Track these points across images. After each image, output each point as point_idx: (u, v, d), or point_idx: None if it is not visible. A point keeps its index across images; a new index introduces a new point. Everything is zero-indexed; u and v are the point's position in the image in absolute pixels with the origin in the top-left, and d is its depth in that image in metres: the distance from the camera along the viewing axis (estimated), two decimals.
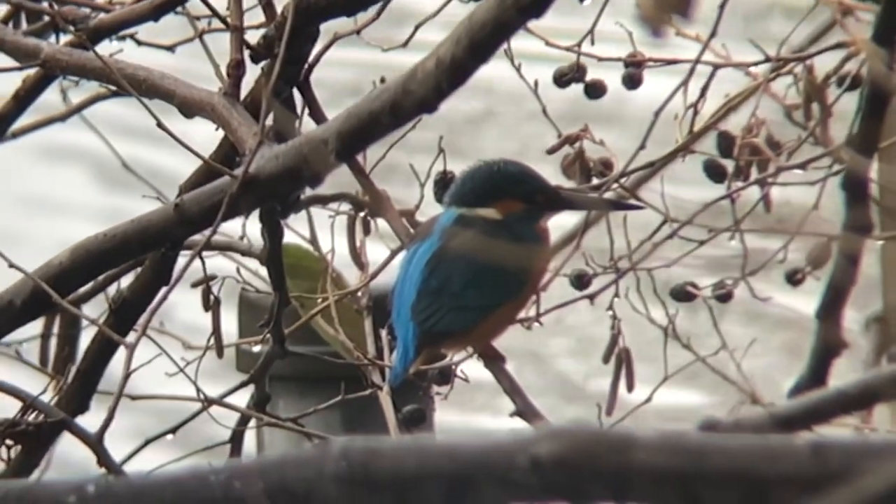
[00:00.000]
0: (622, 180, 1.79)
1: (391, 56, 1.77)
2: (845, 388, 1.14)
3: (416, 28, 1.72)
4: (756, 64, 1.78)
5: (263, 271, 1.72)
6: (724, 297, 1.83)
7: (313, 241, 1.85)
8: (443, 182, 1.76)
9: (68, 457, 1.69)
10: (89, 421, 1.61)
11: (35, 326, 1.83)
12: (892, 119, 1.81)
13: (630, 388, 1.82)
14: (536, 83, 1.78)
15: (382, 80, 1.49)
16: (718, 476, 1.03)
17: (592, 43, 1.79)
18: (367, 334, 1.76)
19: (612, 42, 1.85)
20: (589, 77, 1.82)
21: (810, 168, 1.78)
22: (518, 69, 1.77)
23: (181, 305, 1.87)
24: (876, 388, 1.15)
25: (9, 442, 1.63)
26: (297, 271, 1.82)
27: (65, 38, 1.73)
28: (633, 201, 1.73)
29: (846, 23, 1.71)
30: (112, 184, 4.52)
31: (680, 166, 1.82)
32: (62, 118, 1.94)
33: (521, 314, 1.64)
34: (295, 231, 1.84)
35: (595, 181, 1.80)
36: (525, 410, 1.53)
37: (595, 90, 1.83)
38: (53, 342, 1.92)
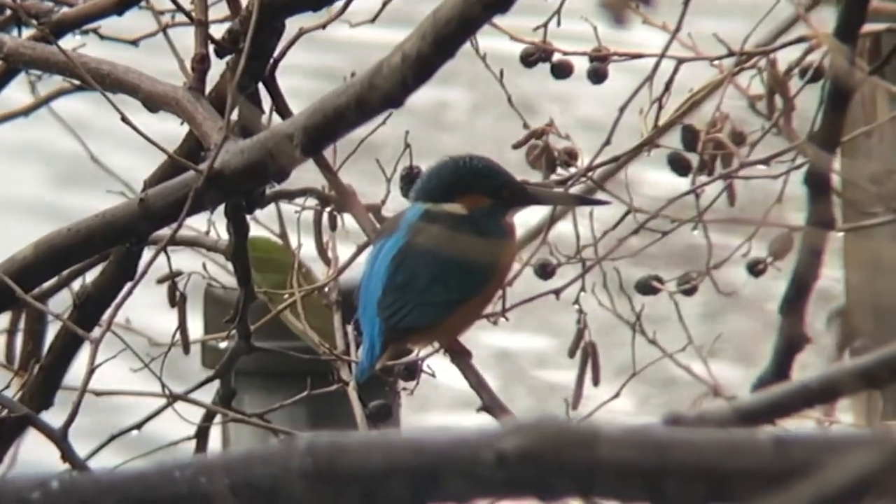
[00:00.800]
0: (588, 174, 1.80)
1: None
2: (808, 382, 1.15)
3: (385, 3, 1.72)
4: (720, 58, 1.79)
5: (230, 266, 1.72)
6: (689, 290, 1.83)
7: (282, 235, 1.85)
8: (409, 177, 1.76)
9: (32, 457, 1.68)
10: (53, 418, 1.60)
11: (0, 322, 1.83)
12: (854, 114, 1.83)
13: (596, 382, 1.82)
14: (502, 73, 1.79)
15: (353, 75, 1.49)
16: (682, 470, 1.04)
17: (559, 24, 1.80)
18: (336, 329, 1.76)
19: (576, 40, 1.85)
20: (555, 60, 1.82)
21: (774, 163, 1.79)
22: (484, 59, 1.77)
23: (146, 302, 1.87)
24: (838, 383, 1.15)
25: None
26: (266, 265, 1.81)
27: (27, 32, 1.73)
28: (599, 196, 1.73)
29: (808, 17, 1.72)
30: (67, 182, 4.50)
31: (645, 161, 1.83)
32: (25, 112, 1.93)
33: (488, 309, 1.64)
34: (263, 226, 1.83)
35: (561, 172, 1.81)
36: (491, 405, 1.53)
37: (561, 70, 1.84)
38: (19, 338, 1.91)
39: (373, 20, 1.74)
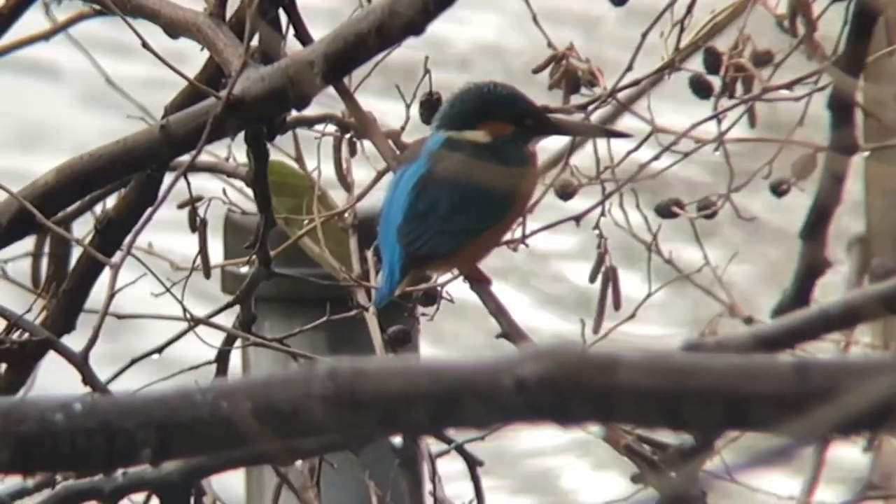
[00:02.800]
0: (611, 97, 1.79)
1: None
2: (828, 307, 1.15)
3: None
4: None
5: (249, 192, 1.72)
6: (710, 214, 1.83)
7: (299, 160, 1.85)
8: (429, 103, 1.76)
9: (53, 381, 1.69)
10: (75, 342, 1.61)
11: (23, 245, 1.83)
12: (878, 37, 1.81)
13: (617, 305, 1.83)
14: None
15: (369, 1, 1.48)
16: (701, 395, 1.04)
17: None
18: (352, 254, 1.76)
19: None
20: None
21: (797, 86, 1.77)
22: None
23: (167, 227, 1.87)
24: (858, 308, 1.15)
25: None
26: (281, 188, 1.81)
27: None
28: (619, 125, 1.72)
29: None
30: (95, 104, 4.49)
31: (665, 87, 1.81)
32: (46, 36, 1.93)
33: (507, 236, 1.64)
34: (282, 151, 1.83)
35: (584, 92, 1.79)
36: (511, 332, 1.53)
37: None
38: (44, 262, 1.91)
39: None
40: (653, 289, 1.79)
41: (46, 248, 1.92)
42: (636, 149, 1.77)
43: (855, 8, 1.32)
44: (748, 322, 1.76)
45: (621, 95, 1.80)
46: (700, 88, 1.82)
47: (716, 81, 1.81)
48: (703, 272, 1.80)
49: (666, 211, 1.82)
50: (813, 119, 1.73)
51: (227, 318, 1.78)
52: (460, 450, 1.64)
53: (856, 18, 1.32)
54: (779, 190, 1.81)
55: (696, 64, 1.81)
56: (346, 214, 1.78)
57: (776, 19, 1.76)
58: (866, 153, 2.01)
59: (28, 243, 1.88)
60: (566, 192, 1.80)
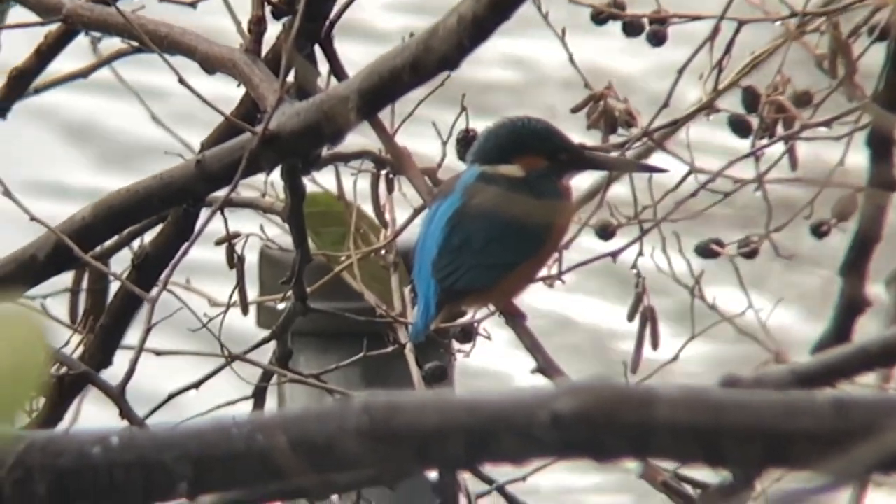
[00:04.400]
0: (647, 136, 1.78)
1: None
2: (867, 344, 1.14)
3: None
4: (782, 19, 1.77)
5: (286, 228, 1.72)
6: (750, 253, 1.82)
7: (340, 195, 1.85)
8: (465, 140, 1.76)
9: (92, 415, 1.70)
10: (113, 375, 1.61)
11: (61, 280, 1.84)
12: None
13: (655, 345, 1.82)
14: (564, 31, 1.77)
15: (412, 35, 1.48)
16: (739, 431, 1.03)
17: None
18: (393, 291, 1.76)
19: (637, 4, 1.84)
20: (626, 17, 1.81)
21: (837, 124, 1.77)
22: (546, 18, 1.75)
23: (205, 266, 1.87)
24: None
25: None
26: (326, 219, 1.82)
27: None
28: (656, 163, 1.72)
29: None
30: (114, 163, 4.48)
31: (703, 127, 1.81)
32: (85, 74, 1.94)
33: (543, 272, 1.64)
34: (322, 187, 1.83)
35: (621, 132, 1.79)
36: (546, 367, 1.53)
37: (633, 28, 1.82)
38: (82, 297, 1.92)
39: None
40: (695, 331, 1.78)
41: (84, 284, 1.93)
42: (675, 188, 1.77)
43: (893, 44, 1.32)
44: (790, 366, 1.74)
45: (658, 135, 1.79)
46: (739, 128, 1.81)
47: (754, 121, 1.80)
48: (747, 315, 1.79)
49: (706, 251, 1.81)
50: (853, 160, 1.72)
51: (263, 354, 1.78)
52: (501, 490, 1.63)
53: (894, 55, 1.31)
54: (820, 231, 1.80)
55: (734, 104, 1.81)
56: (386, 251, 1.78)
57: (815, 59, 1.76)
58: None
59: (66, 279, 1.89)
60: (606, 232, 1.80)
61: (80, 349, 1.78)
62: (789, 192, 1.81)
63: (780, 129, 1.81)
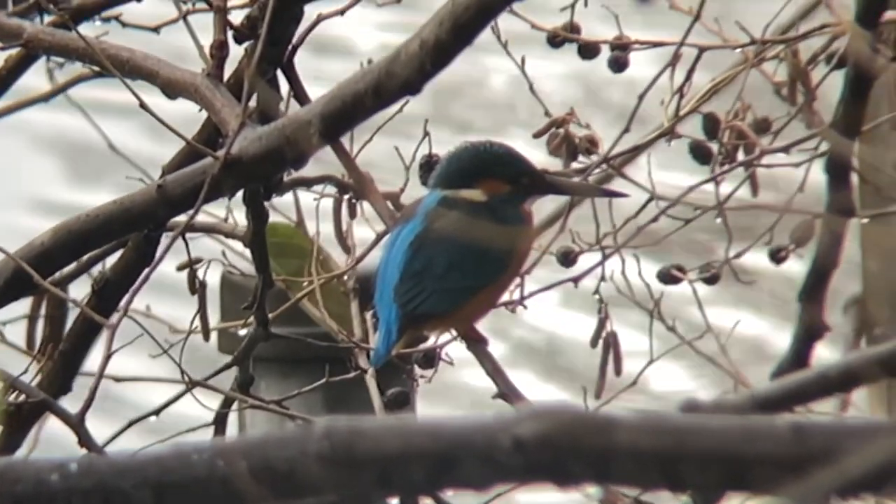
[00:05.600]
0: (608, 162, 1.79)
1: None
2: (826, 370, 1.14)
3: None
4: (742, 46, 1.78)
5: (247, 253, 1.71)
6: (711, 279, 1.83)
7: (300, 223, 1.85)
8: (428, 165, 1.76)
9: (51, 440, 1.68)
10: (72, 404, 1.60)
11: (19, 307, 1.83)
12: (878, 102, 1.81)
13: (618, 371, 1.82)
14: (523, 60, 1.78)
15: (370, 62, 1.49)
16: (699, 456, 1.03)
17: (586, 4, 1.79)
18: (353, 316, 1.76)
19: (600, 25, 1.84)
20: (582, 41, 1.82)
21: (796, 150, 1.78)
22: (505, 46, 1.76)
23: (165, 289, 1.87)
24: (857, 371, 1.15)
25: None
26: (286, 249, 1.81)
27: (48, 19, 1.73)
28: (617, 188, 1.73)
29: (831, 2, 1.71)
30: (83, 172, 4.48)
31: (665, 151, 1.82)
32: (45, 98, 1.93)
33: (504, 296, 1.64)
34: (281, 213, 1.83)
35: (581, 159, 1.80)
36: (507, 392, 1.53)
37: (589, 51, 1.83)
38: (40, 323, 1.91)
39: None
40: (656, 353, 1.79)
41: (43, 310, 1.92)
42: (636, 215, 1.77)
43: (850, 71, 1.33)
44: (750, 389, 1.75)
45: (618, 161, 1.80)
46: (700, 154, 1.82)
47: (714, 147, 1.82)
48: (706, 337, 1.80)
49: (667, 277, 1.82)
50: (812, 186, 1.74)
51: (225, 379, 1.78)
52: None
53: (851, 82, 1.32)
54: (777, 257, 1.82)
55: (694, 129, 1.82)
56: (347, 277, 1.78)
57: (774, 87, 1.77)
58: (865, 219, 2.01)
59: (24, 305, 1.88)
60: (567, 258, 1.80)
61: (39, 376, 1.77)
62: (750, 214, 1.82)
63: (740, 155, 1.82)
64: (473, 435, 1.05)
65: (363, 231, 1.81)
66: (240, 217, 1.80)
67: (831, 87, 1.72)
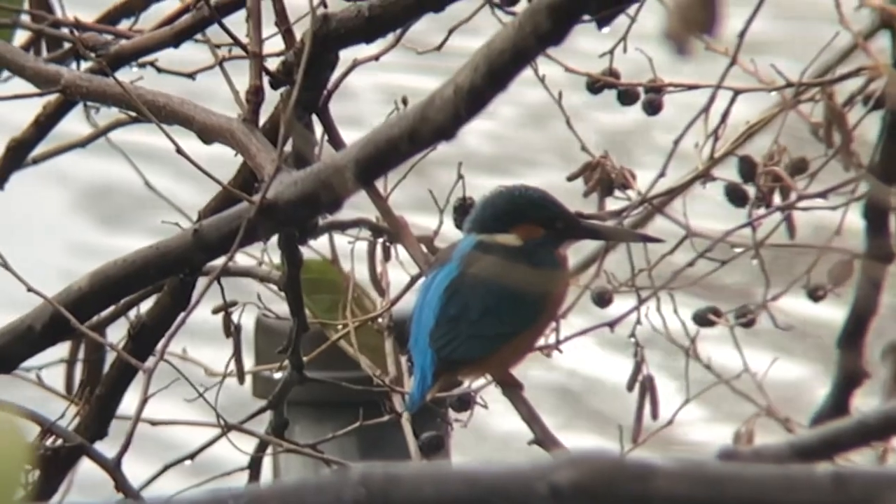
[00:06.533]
0: (644, 203, 1.79)
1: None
2: (866, 417, 1.13)
3: (451, 32, 1.72)
4: (778, 89, 1.78)
5: (283, 296, 1.72)
6: (747, 323, 1.82)
7: (335, 262, 1.85)
8: (462, 209, 1.76)
9: (88, 485, 1.69)
10: (108, 448, 1.61)
11: (56, 352, 1.84)
12: None
13: (655, 415, 1.81)
14: (560, 94, 1.78)
15: (405, 102, 1.49)
16: None
17: (625, 50, 1.79)
18: (388, 357, 1.75)
19: (635, 70, 1.85)
20: (622, 87, 1.82)
21: (833, 194, 1.77)
22: (544, 82, 1.76)
23: (201, 334, 1.87)
24: None
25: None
26: (319, 286, 1.82)
27: (85, 65, 1.74)
28: (652, 231, 1.72)
29: (867, 46, 1.70)
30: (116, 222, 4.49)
31: (701, 195, 1.82)
32: (83, 143, 1.94)
33: (540, 341, 1.64)
34: (318, 253, 1.83)
35: (617, 195, 1.80)
36: (544, 438, 1.52)
37: (628, 97, 1.83)
38: (78, 367, 1.92)
39: (439, 48, 1.74)
40: (690, 394, 1.78)
41: (81, 354, 1.92)
42: (671, 252, 1.77)
43: (888, 115, 1.32)
44: (785, 424, 1.74)
45: (656, 202, 1.80)
46: (735, 197, 1.82)
47: (750, 190, 1.81)
48: (743, 377, 1.79)
49: (703, 319, 1.81)
50: (851, 228, 1.73)
51: (259, 423, 1.78)
52: None
53: (889, 126, 1.31)
54: (815, 296, 1.81)
55: (730, 172, 1.82)
56: (381, 318, 1.78)
57: (811, 127, 1.77)
58: None
59: (61, 349, 1.88)
60: (603, 299, 1.80)
61: (76, 420, 1.77)
62: (787, 256, 1.81)
63: (776, 198, 1.81)
64: (510, 482, 1.05)
65: (398, 274, 1.81)
66: (275, 257, 1.80)
67: (869, 128, 1.71)
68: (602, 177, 1.82)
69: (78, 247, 4.37)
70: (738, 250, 1.77)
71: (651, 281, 1.77)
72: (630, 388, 1.82)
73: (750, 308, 1.81)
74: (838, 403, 1.28)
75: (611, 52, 1.81)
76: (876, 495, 1.01)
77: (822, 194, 1.77)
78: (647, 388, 1.81)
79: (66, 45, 1.77)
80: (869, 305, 1.30)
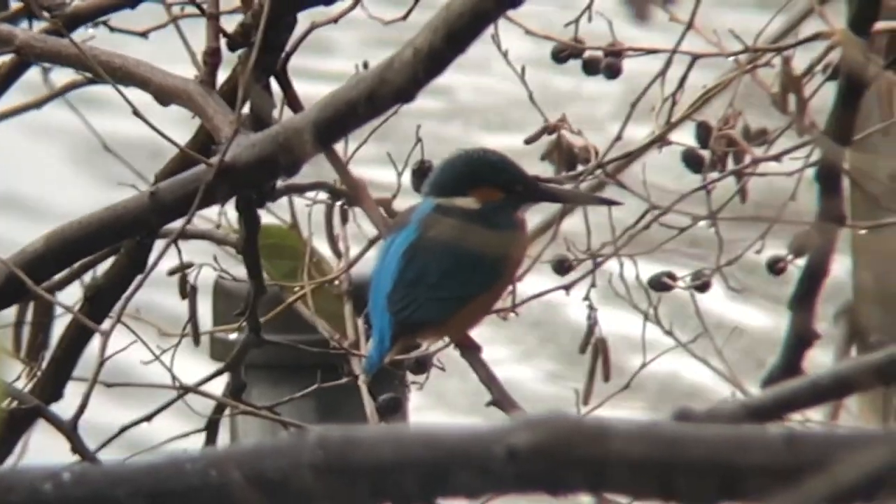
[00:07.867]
0: (601, 169, 1.80)
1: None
2: (819, 378, 1.15)
3: (416, 1, 1.72)
4: (735, 54, 1.78)
5: (240, 259, 1.71)
6: (702, 286, 1.83)
7: (294, 226, 1.85)
8: (420, 172, 1.76)
9: (42, 449, 1.68)
10: (65, 409, 1.60)
11: (7, 314, 1.82)
12: (870, 110, 1.82)
13: (606, 377, 1.83)
14: (524, 69, 1.78)
15: (366, 66, 1.49)
16: (693, 465, 1.04)
17: (590, 20, 1.80)
18: (346, 320, 1.76)
19: (593, 37, 1.85)
20: (586, 56, 1.82)
21: (788, 158, 1.79)
22: (505, 55, 1.77)
23: (159, 293, 1.86)
24: (849, 379, 1.15)
25: None
26: (279, 251, 1.81)
27: (39, 25, 1.72)
28: (610, 195, 1.73)
29: (823, 11, 1.71)
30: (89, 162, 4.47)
31: (657, 157, 1.82)
32: (38, 105, 1.93)
33: (498, 304, 1.64)
34: (276, 217, 1.83)
35: (578, 168, 1.81)
36: (501, 400, 1.53)
37: (592, 66, 1.84)
38: (27, 330, 1.91)
39: (405, 17, 1.74)
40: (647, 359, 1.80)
41: (28, 316, 1.91)
42: (633, 227, 1.78)
43: (842, 80, 1.33)
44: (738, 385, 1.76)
45: (611, 168, 1.81)
46: (692, 162, 1.83)
47: (707, 155, 1.82)
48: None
49: (659, 284, 1.83)
50: (806, 195, 1.74)
51: (217, 385, 1.78)
52: None
53: (843, 91, 1.33)
54: (776, 268, 1.82)
55: (686, 137, 1.82)
56: (340, 281, 1.78)
57: (770, 96, 1.78)
58: (863, 231, 2.01)
59: (9, 312, 1.87)
60: (562, 267, 1.81)
61: (29, 382, 1.77)
62: (741, 221, 1.83)
63: (730, 163, 1.82)
64: (467, 444, 1.05)
65: (356, 238, 1.81)
66: (233, 218, 1.80)
67: (828, 98, 1.72)
68: (562, 146, 1.83)
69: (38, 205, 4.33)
70: (691, 218, 1.78)
71: (615, 248, 1.78)
72: (582, 350, 1.83)
73: (704, 272, 1.82)
74: (790, 364, 1.30)
75: (575, 21, 1.81)
76: (827, 455, 1.02)
77: (777, 157, 1.78)
78: (600, 351, 1.82)
79: (20, 5, 1.76)
80: (821, 267, 1.31)
